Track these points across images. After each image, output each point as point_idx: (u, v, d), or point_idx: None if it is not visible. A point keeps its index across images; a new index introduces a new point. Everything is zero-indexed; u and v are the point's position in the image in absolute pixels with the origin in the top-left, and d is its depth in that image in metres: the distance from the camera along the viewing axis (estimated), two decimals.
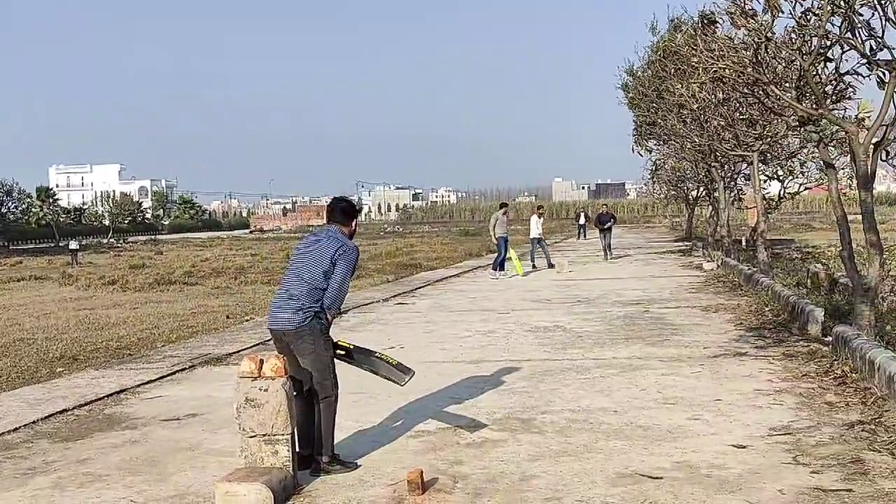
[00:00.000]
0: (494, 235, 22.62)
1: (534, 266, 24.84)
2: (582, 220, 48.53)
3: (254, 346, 11.82)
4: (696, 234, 41.31)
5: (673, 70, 17.86)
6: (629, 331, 11.99)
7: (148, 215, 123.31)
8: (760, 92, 10.95)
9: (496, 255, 22.91)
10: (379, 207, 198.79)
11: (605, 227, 29.36)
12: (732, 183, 25.71)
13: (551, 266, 24.19)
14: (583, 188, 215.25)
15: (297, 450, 5.76)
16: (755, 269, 17.16)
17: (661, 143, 28.85)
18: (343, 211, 6.31)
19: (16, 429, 7.40)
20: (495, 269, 22.32)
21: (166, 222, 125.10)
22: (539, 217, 25.89)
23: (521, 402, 7.78)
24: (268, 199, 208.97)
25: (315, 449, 5.94)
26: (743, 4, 9.35)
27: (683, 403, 7.48)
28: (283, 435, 5.51)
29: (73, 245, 42.72)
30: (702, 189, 35.76)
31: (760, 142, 16.03)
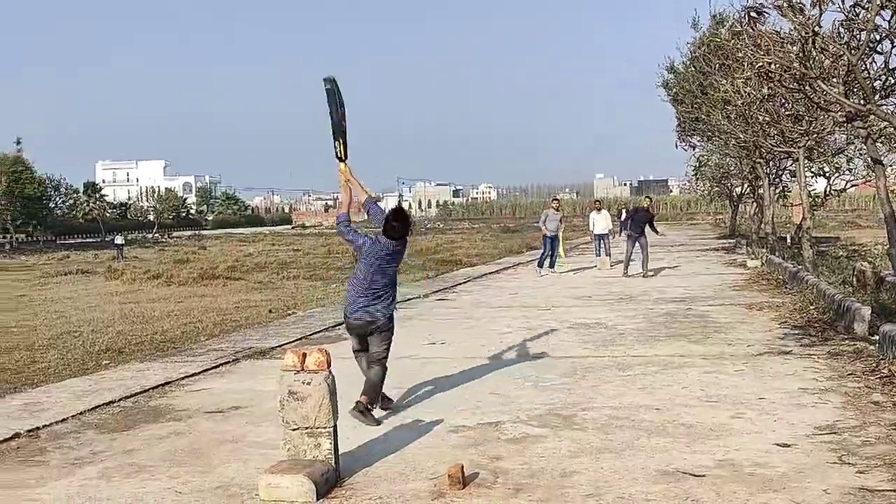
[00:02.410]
0: (546, 231, 22.20)
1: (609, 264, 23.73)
2: (624, 217, 47.20)
3: (296, 340, 11.93)
4: (739, 231, 40.91)
5: (717, 65, 17.68)
6: (671, 328, 11.89)
7: (192, 211, 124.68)
8: (807, 87, 10.77)
9: (541, 251, 22.69)
10: (419, 204, 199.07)
11: (636, 230, 21.19)
12: (777, 179, 25.43)
13: (612, 265, 23.59)
14: (625, 185, 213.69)
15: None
16: (800, 267, 16.94)
17: (705, 139, 28.59)
18: (405, 220, 7.33)
19: (64, 419, 7.54)
20: (540, 266, 22.04)
21: (210, 218, 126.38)
22: (598, 212, 25.19)
23: (562, 398, 7.76)
24: (309, 195, 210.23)
25: (364, 393, 7.16)
26: None
27: (727, 401, 7.41)
28: (325, 428, 5.55)
29: (119, 240, 43.28)
30: (746, 186, 35.40)
31: (806, 138, 15.83)
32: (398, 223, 7.20)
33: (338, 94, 7.47)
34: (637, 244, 21.00)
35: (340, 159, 7.44)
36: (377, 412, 7.27)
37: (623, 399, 7.63)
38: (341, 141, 7.46)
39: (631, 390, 7.99)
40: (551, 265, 22.23)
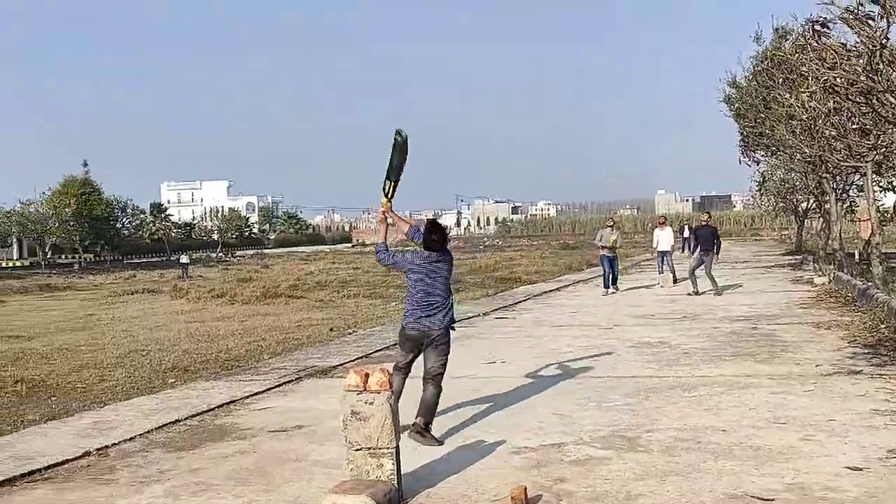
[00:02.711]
0: (603, 249, 22.00)
1: (675, 281, 23.38)
2: (686, 234, 46.24)
3: (357, 358, 12.00)
4: (805, 247, 40.11)
5: (780, 79, 17.42)
6: (737, 348, 11.69)
7: (255, 230, 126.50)
8: (875, 100, 10.55)
9: (602, 271, 22.44)
10: (478, 221, 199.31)
11: (706, 246, 20.73)
12: (844, 194, 24.92)
13: (675, 282, 23.43)
14: (686, 200, 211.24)
15: None
16: (869, 284, 16.53)
17: (769, 154, 28.12)
18: (442, 234, 7.59)
19: (132, 438, 7.68)
20: (606, 287, 21.84)
21: (272, 236, 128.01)
22: (662, 228, 24.83)
23: (626, 419, 7.66)
24: (369, 214, 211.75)
25: (420, 414, 7.20)
26: (857, 10, 9.06)
27: (795, 423, 7.25)
28: (388, 448, 5.56)
29: (184, 259, 43.92)
30: (812, 201, 34.78)
31: (874, 152, 15.46)
32: (435, 234, 7.50)
33: (405, 148, 7.84)
34: (702, 260, 20.77)
35: (387, 196, 7.81)
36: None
37: (688, 420, 7.51)
38: (392, 183, 7.84)
39: (696, 411, 7.86)
40: (613, 283, 21.99)
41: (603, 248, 22.02)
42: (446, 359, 7.46)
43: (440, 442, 7.10)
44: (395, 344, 12.91)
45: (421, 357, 7.47)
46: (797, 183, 32.81)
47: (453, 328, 7.61)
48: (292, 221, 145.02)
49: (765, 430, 7.07)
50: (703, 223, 22.11)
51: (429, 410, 7.27)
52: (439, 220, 8.09)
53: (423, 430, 7.12)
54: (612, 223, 23.02)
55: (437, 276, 7.46)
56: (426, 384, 7.37)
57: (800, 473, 5.85)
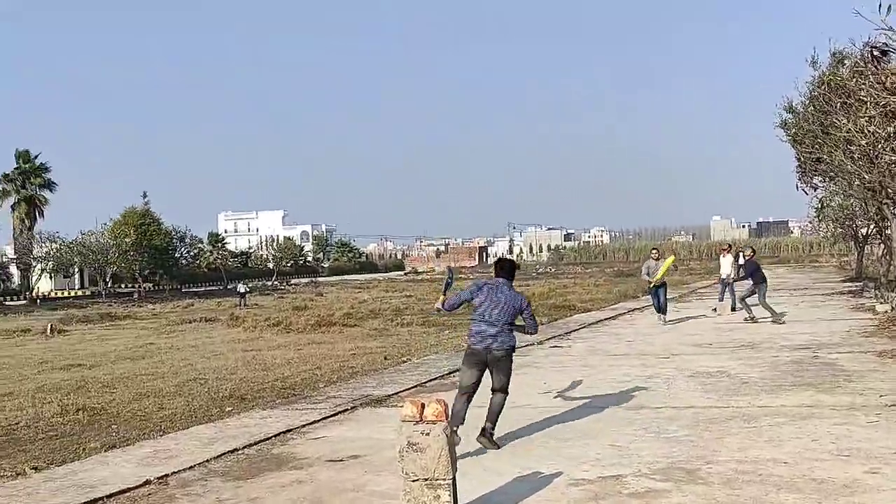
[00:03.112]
0: (650, 281, 21.22)
1: (734, 308, 23.29)
2: (741, 261, 46.00)
3: (412, 387, 12.01)
4: (866, 273, 39.26)
5: (838, 104, 17.18)
6: (798, 377, 11.47)
7: (309, 258, 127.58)
8: None
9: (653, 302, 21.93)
10: (531, 248, 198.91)
11: (753, 279, 20.62)
12: None
13: (733, 310, 23.13)
14: (743, 226, 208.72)
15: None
16: None
17: (827, 179, 27.66)
18: (510, 269, 8.59)
19: (191, 467, 7.77)
20: (663, 313, 21.18)
21: (326, 265, 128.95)
22: (724, 256, 24.80)
23: (685, 451, 7.56)
24: (421, 241, 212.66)
25: (487, 420, 8.14)
26: None
27: (860, 455, 7.08)
28: (444, 480, 5.55)
29: (242, 288, 44.32)
30: (872, 227, 34.10)
31: None
32: (504, 262, 8.69)
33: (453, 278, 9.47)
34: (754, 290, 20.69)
35: (444, 295, 8.78)
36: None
37: (749, 452, 7.38)
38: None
39: (757, 443, 7.72)
40: (663, 312, 21.37)
41: (649, 282, 21.27)
42: (510, 374, 8.28)
43: (499, 446, 8.01)
44: (450, 372, 13.01)
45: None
46: (856, 209, 32.26)
47: (514, 349, 8.30)
48: (345, 250, 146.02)
49: (828, 462, 6.92)
50: (747, 258, 22.06)
51: (495, 415, 8.14)
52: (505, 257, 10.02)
53: (490, 436, 8.02)
54: (657, 255, 22.01)
55: (499, 303, 8.14)
56: (494, 394, 8.19)
57: None
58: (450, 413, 5.80)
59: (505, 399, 8.19)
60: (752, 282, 20.71)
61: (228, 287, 76.96)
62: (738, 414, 9.11)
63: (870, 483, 6.28)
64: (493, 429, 8.09)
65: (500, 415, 8.17)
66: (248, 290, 46.11)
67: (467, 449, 7.61)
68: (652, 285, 21.12)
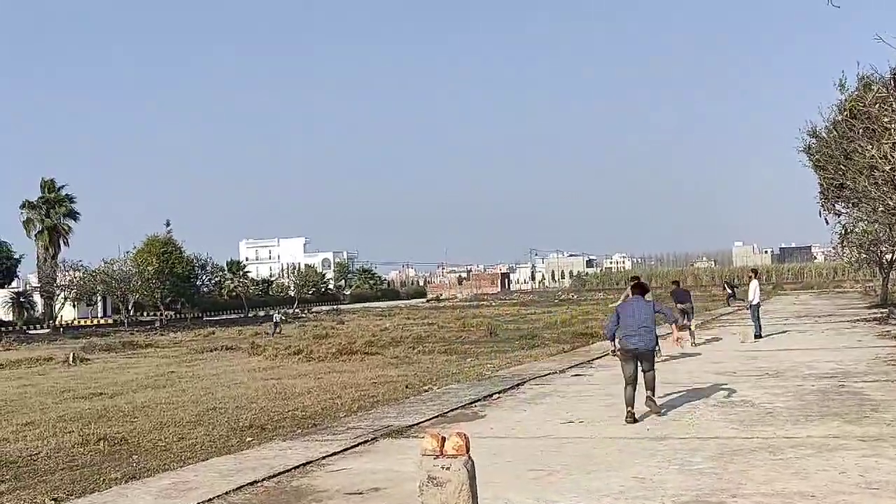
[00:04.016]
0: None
1: (758, 336, 23.20)
2: (730, 291, 47.55)
3: (433, 417, 11.93)
4: (891, 300, 38.90)
5: (861, 130, 17.07)
6: (824, 407, 11.30)
7: (330, 286, 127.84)
8: None
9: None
10: (552, 274, 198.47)
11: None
12: None
13: (758, 337, 23.03)
14: (765, 252, 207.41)
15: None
16: None
17: (851, 205, 27.44)
18: (643, 288, 12.51)
19: (210, 499, 7.72)
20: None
21: (347, 292, 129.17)
22: (749, 282, 25.11)
23: (710, 483, 7.43)
24: (443, 268, 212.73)
25: (647, 389, 11.29)
26: None
27: (889, 488, 6.94)
28: None
29: (277, 317, 44.27)
30: None
31: None
32: (637, 283, 12.90)
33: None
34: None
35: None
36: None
37: (775, 485, 7.25)
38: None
39: (783, 475, 7.58)
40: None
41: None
42: (654, 360, 11.64)
43: (661, 411, 11.26)
44: (472, 402, 12.98)
45: None
46: (881, 234, 31.98)
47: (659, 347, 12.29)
48: (367, 277, 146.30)
49: (856, 495, 6.79)
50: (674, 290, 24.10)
51: (651, 385, 11.34)
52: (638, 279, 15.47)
53: (654, 401, 11.24)
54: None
55: (638, 313, 11.30)
56: (645, 374, 11.34)
57: None
58: (471, 445, 5.72)
59: (654, 373, 11.52)
60: (681, 309, 22.04)
61: (250, 315, 77.23)
62: (764, 445, 8.97)
63: None
64: (654, 394, 11.34)
65: (654, 384, 11.39)
66: (283, 318, 46.16)
67: (489, 481, 7.52)
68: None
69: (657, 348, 11.75)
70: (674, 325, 12.44)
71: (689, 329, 21.91)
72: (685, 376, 15.52)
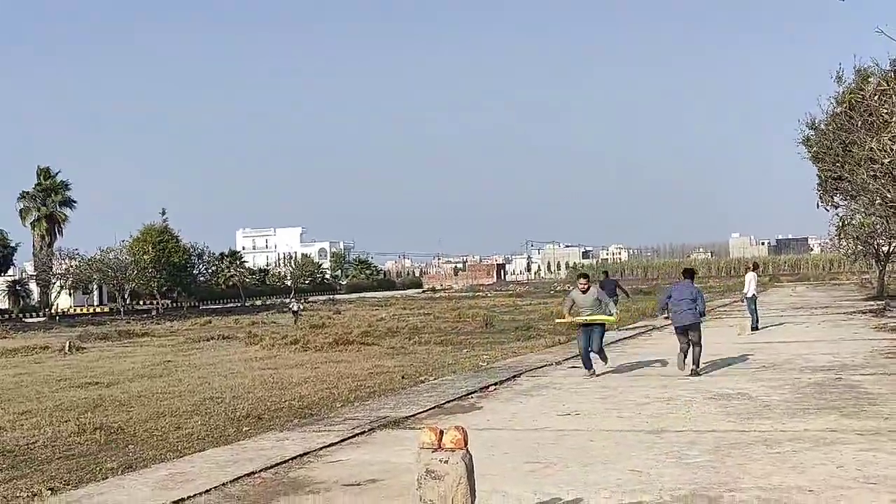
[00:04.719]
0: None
1: (755, 328, 23.33)
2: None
3: (430, 409, 11.92)
4: (888, 292, 38.93)
5: (860, 122, 17.04)
6: (821, 400, 11.30)
7: (327, 275, 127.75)
8: None
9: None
10: (548, 266, 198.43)
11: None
12: None
13: (755, 329, 23.10)
14: (762, 244, 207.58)
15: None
16: None
17: (849, 198, 27.44)
18: (691, 274, 15.43)
19: (207, 490, 7.69)
20: (587, 368, 15.04)
21: (344, 282, 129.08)
22: (749, 272, 25.09)
23: (707, 477, 7.43)
24: (439, 259, 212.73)
25: (693, 364, 14.36)
26: None
27: (887, 483, 6.94)
28: None
29: (295, 306, 44.09)
30: (894, 245, 33.80)
31: None
32: (686, 269, 15.94)
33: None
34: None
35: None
36: None
37: (772, 479, 7.25)
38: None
39: (781, 469, 7.58)
40: (587, 366, 15.06)
41: (571, 316, 15.27)
42: (701, 332, 14.63)
43: (698, 374, 14.26)
44: (468, 394, 13.00)
45: None
46: (878, 227, 32.00)
47: (703, 319, 14.96)
48: (363, 267, 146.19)
49: (854, 490, 6.79)
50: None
51: (697, 359, 14.42)
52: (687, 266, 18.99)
53: (697, 371, 14.27)
54: (585, 283, 14.96)
55: (684, 295, 14.58)
56: (693, 346, 14.42)
57: None
58: (468, 439, 5.72)
59: (701, 349, 14.51)
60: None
61: (246, 304, 77.17)
62: (761, 438, 8.97)
63: None
64: (698, 367, 14.35)
65: (700, 358, 14.42)
66: (301, 307, 46.09)
67: (486, 474, 7.51)
68: (569, 321, 15.50)
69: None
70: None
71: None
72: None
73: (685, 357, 14.39)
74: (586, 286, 14.88)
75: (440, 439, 5.61)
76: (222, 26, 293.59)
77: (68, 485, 8.23)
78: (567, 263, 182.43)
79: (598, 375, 14.88)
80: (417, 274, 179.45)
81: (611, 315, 15.16)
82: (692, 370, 14.23)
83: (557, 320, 17.20)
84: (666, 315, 15.26)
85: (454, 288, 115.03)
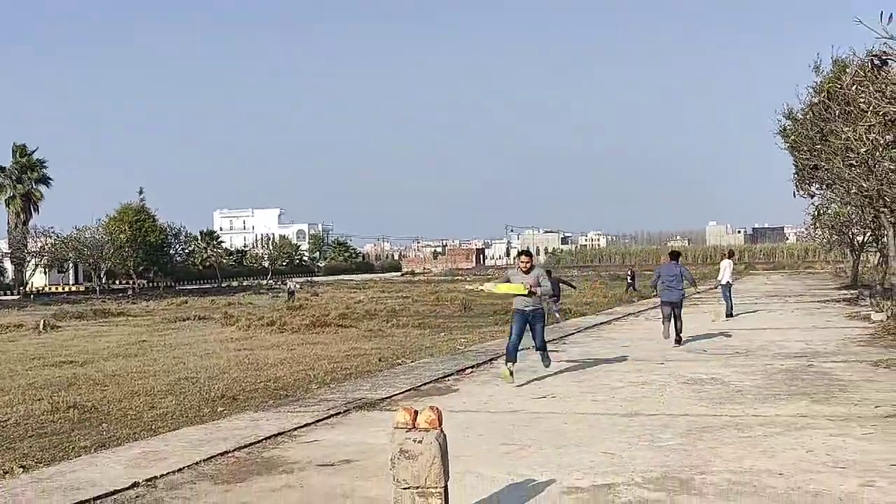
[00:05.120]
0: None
1: (729, 314, 23.64)
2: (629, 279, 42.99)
3: (406, 391, 11.94)
4: (862, 281, 39.32)
5: (837, 112, 17.15)
6: (792, 386, 11.42)
7: (305, 257, 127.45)
8: None
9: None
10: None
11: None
12: None
13: (729, 316, 23.35)
14: (738, 232, 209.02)
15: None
16: None
17: (825, 187, 27.68)
18: (677, 256, 17.58)
19: (180, 469, 7.67)
20: (510, 360, 12.55)
21: (322, 264, 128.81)
22: (725, 259, 25.39)
23: (679, 460, 7.49)
24: (419, 243, 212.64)
25: (677, 333, 16.84)
26: None
27: (856, 468, 7.02)
28: (436, 488, 5.48)
29: (292, 286, 44.00)
30: (868, 234, 34.14)
31: None
32: (672, 252, 18.10)
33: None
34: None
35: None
36: None
37: (743, 462, 7.32)
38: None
39: (751, 453, 7.66)
40: (513, 359, 12.64)
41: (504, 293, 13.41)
42: (681, 308, 16.97)
43: (681, 342, 16.63)
44: (445, 376, 13.03)
45: None
46: (853, 216, 32.28)
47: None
48: (342, 249, 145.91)
49: (823, 474, 6.86)
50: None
51: (679, 330, 16.69)
52: (674, 249, 20.52)
53: (680, 340, 16.62)
54: (527, 261, 12.72)
55: (670, 274, 16.93)
56: (676, 320, 16.76)
57: None
58: (443, 418, 5.73)
59: (682, 322, 16.92)
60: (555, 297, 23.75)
61: (223, 285, 76.85)
62: (732, 423, 9.06)
63: (865, 497, 6.22)
64: (681, 336, 16.75)
65: (681, 330, 16.81)
66: (298, 287, 46.20)
67: (460, 455, 7.54)
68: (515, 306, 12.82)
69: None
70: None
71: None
72: (656, 353, 15.64)
73: (669, 325, 16.75)
74: (528, 265, 12.52)
75: (414, 419, 5.62)
76: (199, 4, 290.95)
77: (40, 463, 8.19)
78: (546, 249, 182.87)
79: (535, 380, 12.63)
80: (397, 257, 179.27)
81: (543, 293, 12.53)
82: (676, 339, 16.59)
83: (480, 288, 14.68)
84: (655, 293, 18.59)
85: (433, 272, 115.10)
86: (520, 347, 12.68)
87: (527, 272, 12.49)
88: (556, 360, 15.05)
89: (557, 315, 23.69)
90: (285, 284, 45.48)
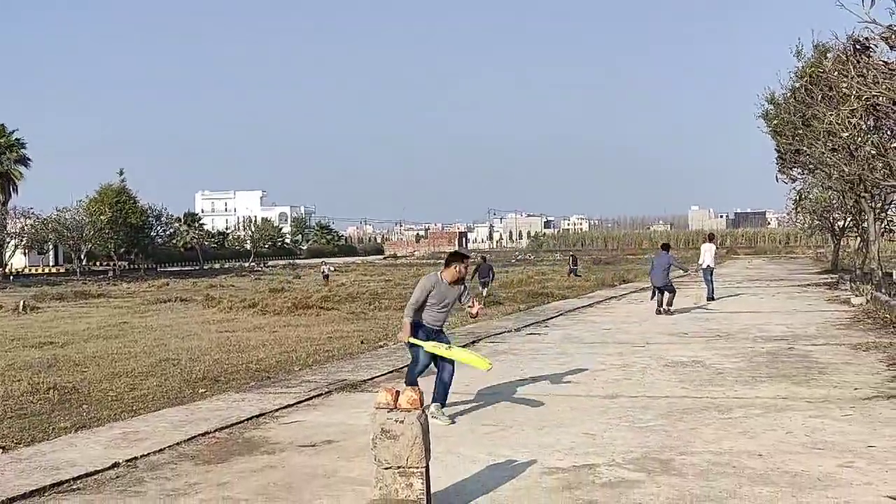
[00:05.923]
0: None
1: (711, 298, 23.98)
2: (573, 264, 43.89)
3: (388, 373, 11.94)
4: (842, 266, 39.60)
5: (819, 97, 17.19)
6: (773, 368, 11.49)
7: (287, 240, 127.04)
8: None
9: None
10: (510, 235, 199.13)
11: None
12: (883, 214, 24.54)
13: (711, 299, 23.54)
14: (721, 217, 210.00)
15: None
16: None
17: (807, 171, 27.81)
18: (667, 247, 21.28)
19: (161, 450, 7.65)
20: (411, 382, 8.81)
21: (304, 247, 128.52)
22: (706, 243, 25.53)
23: (659, 441, 7.53)
24: (401, 226, 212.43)
25: (666, 304, 20.16)
26: None
27: (834, 449, 7.08)
28: (417, 468, 5.48)
29: (326, 269, 43.80)
30: (849, 219, 34.33)
31: None
32: (664, 244, 21.74)
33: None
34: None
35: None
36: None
37: (723, 444, 7.36)
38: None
39: (731, 434, 7.71)
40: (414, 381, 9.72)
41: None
42: (669, 290, 19.88)
43: (669, 313, 19.61)
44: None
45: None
46: (834, 201, 32.48)
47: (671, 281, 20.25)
48: (325, 232, 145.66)
49: (802, 455, 6.91)
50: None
51: (670, 302, 19.82)
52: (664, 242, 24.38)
53: (668, 311, 19.64)
54: (463, 270, 8.97)
55: (659, 263, 20.01)
56: (664, 293, 19.90)
57: (839, 502, 5.70)
58: (423, 400, 5.74)
59: (673, 295, 19.99)
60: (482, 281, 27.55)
61: (205, 267, 76.53)
62: (713, 405, 9.11)
63: (843, 477, 6.28)
64: (671, 307, 19.67)
65: (670, 303, 19.71)
66: (332, 269, 46.25)
67: (441, 436, 7.55)
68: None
69: None
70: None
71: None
72: (637, 336, 15.71)
73: (661, 300, 20.06)
74: (461, 274, 8.91)
75: (396, 400, 5.62)
76: None
77: (20, 443, 8.13)
78: (529, 233, 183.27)
79: (515, 361, 12.16)
80: (379, 241, 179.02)
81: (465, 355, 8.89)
82: (665, 309, 19.73)
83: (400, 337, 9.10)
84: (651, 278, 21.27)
85: (416, 255, 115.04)
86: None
87: (454, 284, 8.91)
88: (538, 342, 15.10)
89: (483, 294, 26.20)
90: (322, 268, 45.33)
